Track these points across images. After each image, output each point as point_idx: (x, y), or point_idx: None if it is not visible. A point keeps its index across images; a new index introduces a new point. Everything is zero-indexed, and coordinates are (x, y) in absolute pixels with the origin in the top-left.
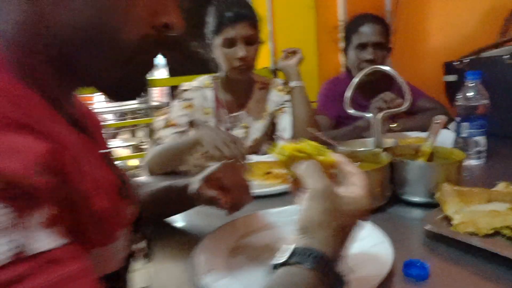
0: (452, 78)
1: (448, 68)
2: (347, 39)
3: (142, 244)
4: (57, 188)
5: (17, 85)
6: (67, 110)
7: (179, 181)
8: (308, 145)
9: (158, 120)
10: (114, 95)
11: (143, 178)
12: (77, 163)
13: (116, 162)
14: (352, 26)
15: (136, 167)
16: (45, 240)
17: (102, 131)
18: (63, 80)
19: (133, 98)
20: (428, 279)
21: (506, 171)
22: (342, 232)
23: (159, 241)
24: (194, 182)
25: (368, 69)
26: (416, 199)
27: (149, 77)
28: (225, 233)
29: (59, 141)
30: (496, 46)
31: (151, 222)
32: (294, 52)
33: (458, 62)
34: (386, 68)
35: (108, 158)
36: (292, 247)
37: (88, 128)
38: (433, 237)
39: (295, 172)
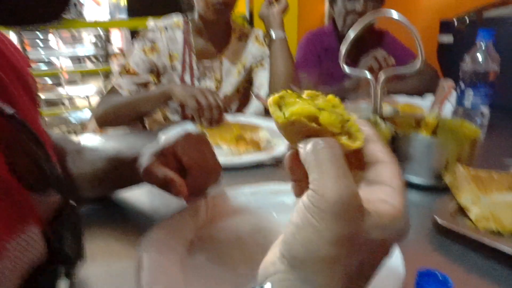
0: (447, 39)
1: (445, 27)
2: None
3: (67, 242)
4: None
5: None
6: None
7: (126, 151)
8: (328, 105)
9: (115, 66)
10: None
11: (86, 137)
12: None
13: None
14: None
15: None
16: None
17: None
18: None
19: (48, 21)
20: None
21: (509, 148)
22: (358, 274)
23: (98, 228)
24: (144, 157)
25: (367, 21)
26: (420, 181)
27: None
28: (181, 222)
29: None
30: (502, 3)
31: (88, 201)
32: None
33: (457, 21)
34: (394, 15)
35: (4, 132)
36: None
37: None
38: (446, 233)
39: (300, 151)
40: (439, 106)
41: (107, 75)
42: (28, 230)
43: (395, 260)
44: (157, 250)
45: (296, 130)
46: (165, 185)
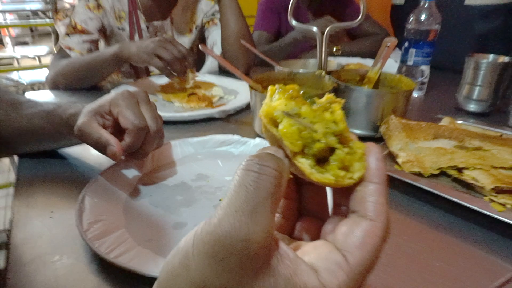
0: (399, 0)
1: None
2: None
3: None
4: None
5: None
6: None
7: (66, 107)
8: (319, 123)
9: (60, 25)
10: None
11: (33, 93)
12: None
13: None
14: None
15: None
16: None
17: None
18: None
19: None
20: None
21: (446, 104)
22: None
23: (34, 179)
24: (81, 114)
25: None
26: (359, 131)
27: None
28: (125, 167)
29: None
30: None
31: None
32: None
33: None
34: None
35: None
36: None
37: None
38: None
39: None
40: (381, 62)
41: (57, 33)
42: None
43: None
44: (99, 195)
45: (269, 135)
46: (99, 146)
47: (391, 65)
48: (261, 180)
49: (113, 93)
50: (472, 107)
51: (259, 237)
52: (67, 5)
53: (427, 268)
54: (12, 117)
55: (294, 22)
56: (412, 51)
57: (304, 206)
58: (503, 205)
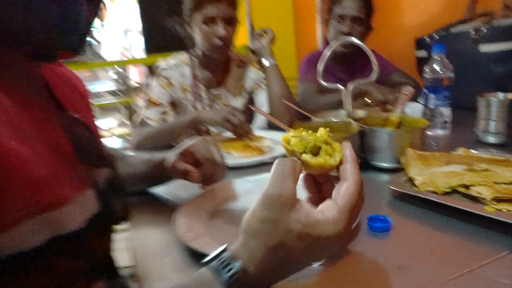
0: (422, 53)
1: (419, 43)
2: (330, 10)
3: (116, 207)
4: None
5: None
6: (20, 81)
7: (157, 155)
8: (310, 142)
9: (139, 100)
10: (39, 55)
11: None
12: None
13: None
14: None
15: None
16: None
17: (84, 100)
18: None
19: (67, 56)
20: (390, 231)
21: (467, 139)
22: (284, 253)
23: (141, 209)
24: (170, 156)
25: (338, 41)
26: (384, 164)
27: (83, 31)
28: (204, 199)
29: None
30: (464, 22)
31: (131, 193)
32: (265, 32)
33: (428, 38)
34: (353, 39)
35: (71, 128)
36: (222, 248)
37: (65, 98)
38: (398, 197)
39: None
40: (400, 107)
41: (128, 107)
42: (86, 191)
43: None
44: (187, 216)
45: (287, 151)
46: (185, 175)
47: (419, 108)
48: (284, 166)
49: (191, 141)
50: (490, 139)
51: (287, 193)
52: (136, 84)
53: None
54: (122, 167)
55: (325, 84)
56: (432, 96)
57: (322, 196)
58: (498, 209)
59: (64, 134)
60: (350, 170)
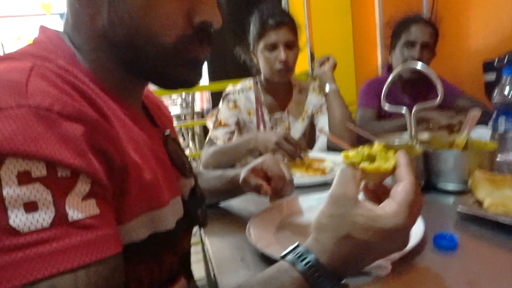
0: (490, 76)
1: (487, 67)
2: (396, 36)
3: (198, 211)
4: (93, 165)
5: (84, 76)
6: (133, 99)
7: (229, 171)
8: (365, 151)
9: (208, 121)
10: (168, 85)
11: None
12: (121, 142)
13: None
14: (403, 24)
15: None
16: (80, 212)
17: (169, 120)
18: (126, 75)
19: (189, 87)
20: (456, 250)
21: None
22: (351, 245)
23: (216, 221)
24: (242, 172)
25: (401, 68)
26: (450, 186)
27: (200, 69)
28: (272, 213)
29: (106, 124)
30: None
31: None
32: (327, 59)
33: (497, 61)
34: (419, 65)
35: (166, 142)
36: (296, 244)
37: (156, 116)
38: (465, 218)
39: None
40: (467, 130)
41: (192, 129)
42: (176, 196)
43: (418, 227)
44: (258, 227)
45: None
46: (256, 189)
47: (487, 132)
48: (346, 172)
49: (262, 158)
50: None
51: (350, 192)
52: (200, 109)
53: None
54: (199, 182)
55: (388, 107)
56: (501, 120)
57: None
58: None
59: (163, 147)
60: (404, 172)
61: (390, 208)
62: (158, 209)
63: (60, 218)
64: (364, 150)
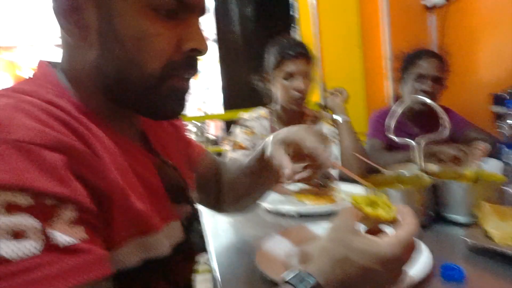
0: (499, 109)
1: (496, 99)
2: (405, 69)
3: (196, 237)
4: (78, 192)
5: (75, 108)
6: (124, 127)
7: (257, 148)
8: (372, 198)
9: (226, 145)
10: (153, 116)
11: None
12: (105, 168)
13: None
14: (412, 58)
15: None
16: (68, 237)
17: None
18: (114, 106)
19: (172, 118)
20: (464, 282)
21: None
22: (348, 267)
23: (225, 247)
24: (271, 143)
25: (408, 102)
26: (458, 218)
27: (184, 100)
28: (280, 240)
29: (88, 152)
30: None
31: (242, 207)
32: (340, 92)
33: (506, 93)
34: (425, 99)
35: (161, 169)
36: (298, 268)
37: (156, 142)
38: (473, 250)
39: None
40: (475, 162)
41: None
42: (172, 221)
43: (426, 257)
44: (267, 255)
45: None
46: (277, 169)
47: (497, 165)
48: (349, 208)
49: (295, 128)
50: None
51: (350, 223)
52: (213, 137)
53: None
54: (230, 173)
55: (397, 139)
56: (509, 151)
57: None
58: None
59: (156, 173)
60: (408, 218)
61: (387, 239)
62: (149, 235)
63: (50, 244)
64: (370, 197)
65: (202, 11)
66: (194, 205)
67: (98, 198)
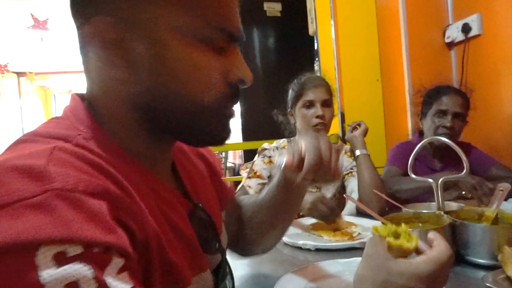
0: None
1: None
2: (427, 104)
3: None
4: (123, 240)
5: (111, 151)
6: (158, 168)
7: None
8: (393, 228)
9: (243, 171)
10: (199, 143)
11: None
12: (143, 216)
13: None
14: (434, 93)
15: None
16: (117, 285)
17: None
18: (151, 140)
19: (220, 144)
20: None
21: None
22: None
23: (242, 281)
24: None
25: (427, 140)
26: (479, 260)
27: (231, 124)
28: (297, 277)
29: (128, 199)
30: None
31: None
32: (359, 125)
33: None
34: (444, 139)
35: (194, 216)
36: None
37: (189, 185)
38: None
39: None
40: (497, 203)
41: None
42: (203, 271)
43: None
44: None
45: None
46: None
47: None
48: (376, 238)
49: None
50: None
51: (382, 250)
52: (231, 165)
53: None
54: (252, 211)
55: (414, 177)
56: None
57: None
58: None
59: (189, 222)
60: (440, 240)
61: (419, 258)
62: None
63: None
64: (392, 227)
65: (242, 40)
66: (225, 253)
67: (137, 245)
